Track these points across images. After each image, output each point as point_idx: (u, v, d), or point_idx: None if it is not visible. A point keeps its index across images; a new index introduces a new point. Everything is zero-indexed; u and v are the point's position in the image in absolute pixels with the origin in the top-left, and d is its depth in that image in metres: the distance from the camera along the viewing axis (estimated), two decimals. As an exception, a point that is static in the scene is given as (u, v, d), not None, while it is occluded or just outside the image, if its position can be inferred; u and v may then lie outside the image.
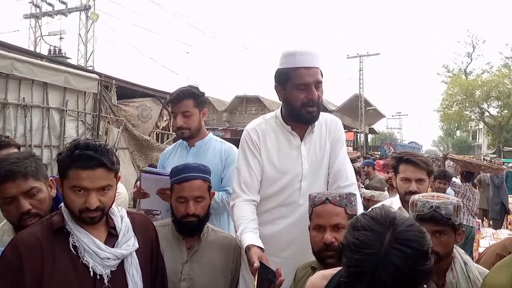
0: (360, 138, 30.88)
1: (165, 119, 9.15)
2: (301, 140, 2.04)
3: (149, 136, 8.59)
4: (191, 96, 2.49)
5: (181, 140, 2.65)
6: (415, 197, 1.68)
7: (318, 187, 2.01)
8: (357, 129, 28.68)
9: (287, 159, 2.02)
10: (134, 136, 8.19)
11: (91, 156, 1.36)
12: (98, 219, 1.43)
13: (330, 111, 20.42)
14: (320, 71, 1.96)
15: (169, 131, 9.52)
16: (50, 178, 1.70)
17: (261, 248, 1.75)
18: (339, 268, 1.37)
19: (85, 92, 7.11)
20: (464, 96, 29.33)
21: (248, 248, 1.73)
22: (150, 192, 2.36)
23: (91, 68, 11.83)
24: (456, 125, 33.85)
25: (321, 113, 2.17)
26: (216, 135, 2.75)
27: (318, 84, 1.94)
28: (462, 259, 1.71)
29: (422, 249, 1.03)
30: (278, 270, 1.64)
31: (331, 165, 2.07)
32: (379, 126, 44.03)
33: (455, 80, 30.66)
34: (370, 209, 1.18)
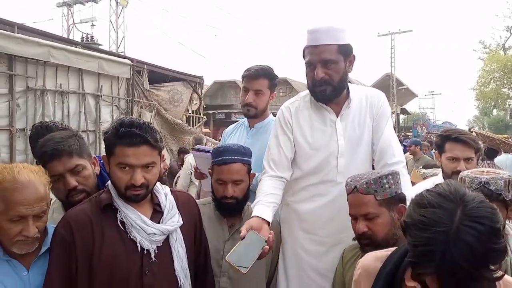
0: (392, 118, 30.23)
1: (195, 102, 9.24)
2: (337, 116, 2.00)
3: (180, 119, 8.71)
4: (268, 76, 2.47)
5: (244, 119, 2.65)
6: (464, 173, 1.63)
7: (357, 164, 1.96)
8: (388, 110, 28.02)
9: (320, 135, 1.99)
10: (167, 120, 8.32)
11: (135, 133, 1.39)
12: (143, 196, 1.47)
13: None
14: (337, 47, 1.88)
15: (200, 114, 9.62)
16: (94, 156, 1.76)
17: (266, 221, 1.74)
18: (392, 249, 1.32)
19: (118, 77, 7.25)
20: (502, 73, 28.02)
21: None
22: (206, 171, 2.38)
23: (122, 54, 12.03)
24: (493, 103, 32.46)
25: (362, 87, 2.13)
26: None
27: (325, 62, 1.88)
28: None
29: (495, 226, 0.98)
30: (269, 238, 1.65)
31: (375, 142, 1.99)
32: (411, 106, 42.97)
33: (492, 56, 29.28)
34: (434, 185, 1.11)
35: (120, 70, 7.23)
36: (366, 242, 1.57)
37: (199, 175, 2.49)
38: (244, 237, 1.62)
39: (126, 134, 1.39)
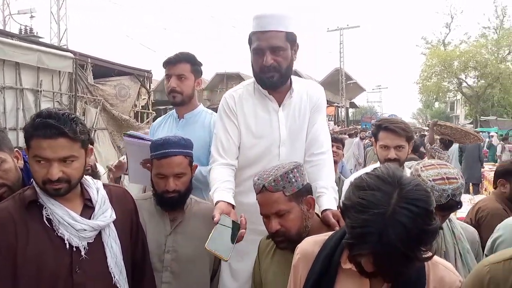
0: (341, 112, 31.09)
1: (143, 97, 8.99)
2: (280, 106, 2.02)
3: (128, 115, 8.43)
4: (190, 60, 2.44)
5: (172, 111, 2.59)
6: (428, 183, 1.65)
7: (298, 154, 2.00)
8: (338, 104, 28.83)
9: (264, 123, 2.00)
10: (113, 116, 8.02)
11: (51, 124, 1.32)
12: (65, 191, 1.39)
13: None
14: (285, 34, 1.89)
15: (149, 109, 9.38)
16: (16, 149, 1.68)
17: (231, 205, 1.73)
18: (330, 233, 1.35)
19: (59, 71, 6.91)
20: (442, 67, 29.69)
21: (216, 204, 1.72)
22: (137, 160, 2.27)
23: (65, 47, 11.48)
24: (434, 96, 34.33)
25: (304, 80, 2.17)
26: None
27: (274, 49, 1.89)
28: None
29: (429, 208, 1.03)
30: (242, 221, 1.63)
31: (308, 132, 2.04)
32: (360, 100, 44.42)
33: (433, 51, 30.90)
34: (373, 169, 1.15)
35: (61, 63, 6.88)
36: (280, 239, 1.56)
37: (119, 169, 2.36)
38: (218, 222, 1.58)
39: (41, 125, 1.32)
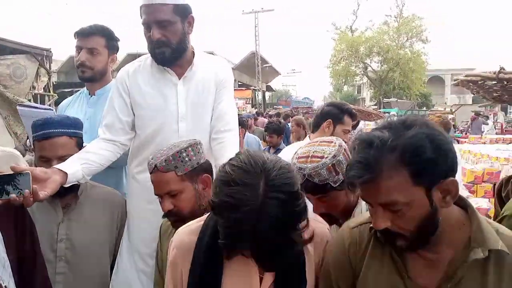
0: (258, 95, 31.54)
1: (42, 79, 8.20)
2: (180, 79, 1.95)
3: (25, 98, 7.65)
4: (104, 34, 2.28)
5: (83, 89, 2.43)
6: (293, 158, 1.53)
7: (203, 129, 1.96)
8: (254, 87, 29.20)
9: (160, 96, 1.93)
10: (7, 99, 7.19)
11: None
12: None
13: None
14: (173, 7, 1.81)
15: (49, 91, 8.62)
16: None
17: (62, 171, 1.60)
18: (204, 218, 1.31)
19: None
20: (350, 52, 31.49)
21: None
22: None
23: None
24: (343, 80, 36.35)
25: (211, 56, 2.14)
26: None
27: (160, 23, 1.82)
28: None
29: (294, 190, 1.04)
30: (33, 190, 1.42)
31: (215, 109, 2.00)
32: (275, 84, 45.36)
33: (342, 37, 32.60)
34: (236, 156, 1.11)
35: None
36: (174, 219, 1.55)
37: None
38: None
39: None
